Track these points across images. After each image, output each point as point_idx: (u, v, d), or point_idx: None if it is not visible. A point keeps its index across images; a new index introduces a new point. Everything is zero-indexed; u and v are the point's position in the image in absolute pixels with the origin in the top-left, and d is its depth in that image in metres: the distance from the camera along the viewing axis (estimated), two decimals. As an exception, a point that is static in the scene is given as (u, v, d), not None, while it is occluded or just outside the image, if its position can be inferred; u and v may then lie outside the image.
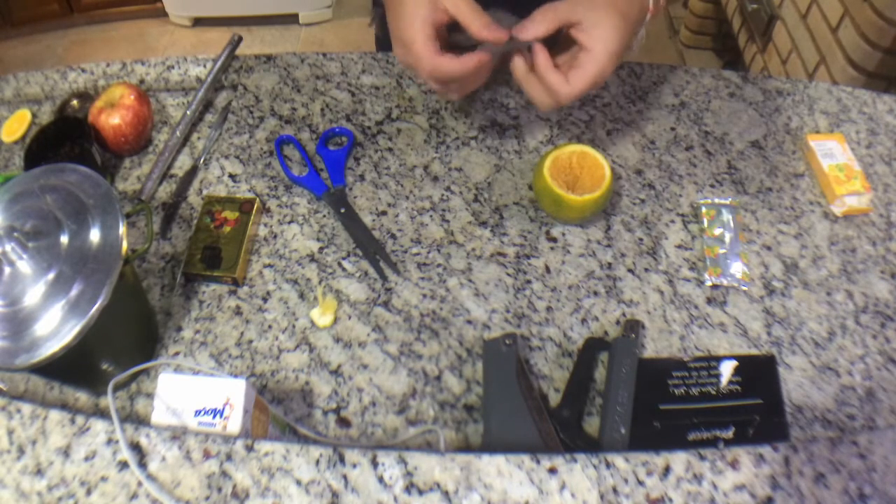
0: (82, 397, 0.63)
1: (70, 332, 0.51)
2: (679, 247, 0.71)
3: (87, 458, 0.50)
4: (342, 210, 0.73)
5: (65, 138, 0.77)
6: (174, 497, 0.48)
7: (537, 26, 0.62)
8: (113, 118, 0.78)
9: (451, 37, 0.66)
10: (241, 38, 0.88)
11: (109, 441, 0.51)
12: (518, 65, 0.64)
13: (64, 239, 0.54)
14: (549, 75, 0.62)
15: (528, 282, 0.68)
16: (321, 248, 0.71)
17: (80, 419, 0.52)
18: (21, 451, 0.51)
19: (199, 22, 2.56)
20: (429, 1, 0.62)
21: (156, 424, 0.51)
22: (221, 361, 0.64)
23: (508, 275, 0.69)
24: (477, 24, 0.61)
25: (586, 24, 0.61)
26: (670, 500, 0.47)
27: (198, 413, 0.51)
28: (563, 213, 0.70)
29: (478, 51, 0.63)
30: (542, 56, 0.62)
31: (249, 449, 0.50)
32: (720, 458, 0.49)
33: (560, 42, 0.65)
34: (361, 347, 0.64)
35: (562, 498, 0.48)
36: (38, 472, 0.50)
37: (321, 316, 0.66)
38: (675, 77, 0.86)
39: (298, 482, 0.49)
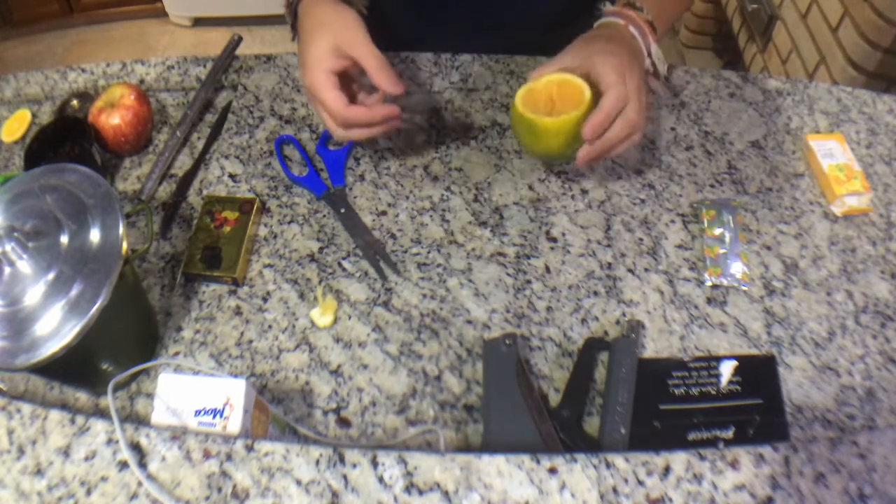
0: (82, 397, 0.63)
1: (70, 332, 0.51)
2: (679, 247, 0.71)
3: (87, 458, 0.50)
4: (342, 210, 0.73)
5: (65, 138, 0.77)
6: (174, 497, 0.48)
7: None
8: (113, 118, 0.78)
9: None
10: (241, 38, 0.88)
11: (109, 441, 0.51)
12: None
13: (64, 239, 0.54)
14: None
15: (528, 282, 0.68)
16: (321, 248, 0.71)
17: (80, 419, 0.52)
18: (21, 451, 0.51)
19: (199, 22, 2.56)
20: (331, 50, 0.64)
21: (156, 424, 0.51)
22: (221, 361, 0.64)
23: (508, 275, 0.69)
24: (382, 75, 0.64)
25: (592, 74, 0.62)
26: (670, 500, 0.47)
27: (198, 413, 0.51)
28: (543, 144, 0.63)
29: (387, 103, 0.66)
30: None
31: (249, 449, 0.50)
32: (720, 458, 0.49)
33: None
34: (361, 347, 0.64)
35: (562, 498, 0.48)
36: (38, 472, 0.50)
37: (321, 316, 0.66)
38: (675, 77, 0.86)
39: (298, 482, 0.49)
